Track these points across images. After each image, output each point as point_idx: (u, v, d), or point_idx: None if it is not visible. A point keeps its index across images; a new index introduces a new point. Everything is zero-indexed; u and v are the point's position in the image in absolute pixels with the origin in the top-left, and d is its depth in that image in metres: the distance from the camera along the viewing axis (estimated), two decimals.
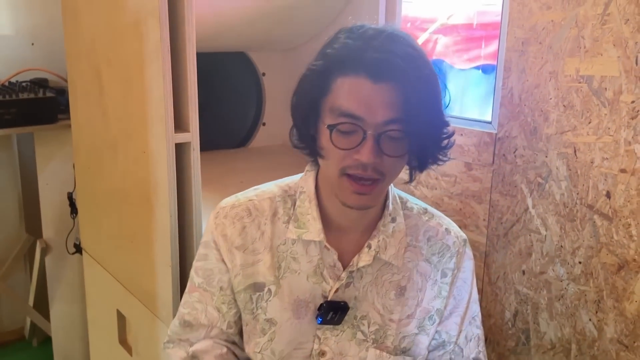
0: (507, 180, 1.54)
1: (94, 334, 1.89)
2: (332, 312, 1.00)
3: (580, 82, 1.35)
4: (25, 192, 2.41)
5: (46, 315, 2.31)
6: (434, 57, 2.78)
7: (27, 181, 2.37)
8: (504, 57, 1.51)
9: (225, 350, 1.04)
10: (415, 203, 1.09)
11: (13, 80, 2.11)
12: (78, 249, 1.99)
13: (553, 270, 1.46)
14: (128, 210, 1.47)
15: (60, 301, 2.25)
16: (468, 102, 2.76)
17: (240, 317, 1.05)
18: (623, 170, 1.29)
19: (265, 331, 1.02)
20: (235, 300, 1.04)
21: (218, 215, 1.04)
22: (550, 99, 1.42)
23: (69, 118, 1.79)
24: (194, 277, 1.06)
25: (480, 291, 1.62)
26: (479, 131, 1.60)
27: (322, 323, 1.01)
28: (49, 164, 2.13)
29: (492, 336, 1.63)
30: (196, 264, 1.06)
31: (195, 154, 1.25)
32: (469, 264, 1.09)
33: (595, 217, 1.36)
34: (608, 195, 1.33)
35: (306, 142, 0.97)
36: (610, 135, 1.31)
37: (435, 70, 0.92)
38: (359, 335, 1.03)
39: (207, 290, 1.04)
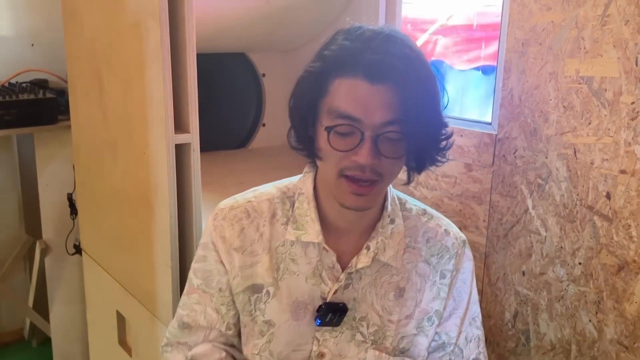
0: (507, 181, 1.54)
1: (93, 334, 1.88)
2: (331, 313, 1.00)
3: (580, 83, 1.35)
4: (25, 192, 2.41)
5: (46, 316, 2.30)
6: (434, 58, 2.78)
7: (27, 182, 2.37)
8: (504, 58, 1.51)
9: (224, 354, 1.03)
10: (414, 204, 1.09)
11: (13, 81, 2.11)
12: (78, 249, 1.99)
13: (553, 271, 1.46)
14: (128, 211, 1.47)
15: (59, 302, 2.25)
16: (468, 103, 2.76)
17: (239, 319, 1.05)
18: (623, 171, 1.29)
19: (263, 333, 1.02)
20: (233, 302, 1.04)
21: (216, 216, 1.04)
22: (550, 100, 1.42)
23: (69, 119, 1.79)
24: (193, 279, 1.06)
25: (480, 292, 1.62)
26: (479, 132, 1.60)
27: (321, 325, 1.01)
28: (48, 165, 2.13)
29: (492, 337, 1.63)
30: (195, 266, 1.06)
31: (195, 155, 1.25)
32: (468, 265, 1.09)
33: (595, 218, 1.36)
34: (608, 196, 1.33)
35: (304, 143, 0.97)
36: (610, 136, 1.31)
37: (434, 71, 0.93)
38: (358, 337, 1.03)
39: (206, 291, 1.04)
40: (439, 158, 0.97)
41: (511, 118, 1.51)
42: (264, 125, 1.94)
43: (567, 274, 1.43)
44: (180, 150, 1.25)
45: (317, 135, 0.93)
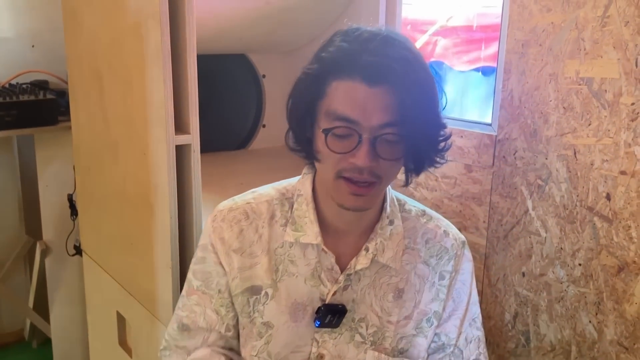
0: (507, 182, 1.54)
1: (93, 335, 1.88)
2: (330, 315, 1.00)
3: (580, 84, 1.35)
4: (26, 193, 2.41)
5: (46, 316, 2.31)
6: (434, 59, 2.78)
7: (27, 183, 2.37)
8: (504, 59, 1.52)
9: (223, 359, 1.03)
10: (413, 205, 1.09)
11: (13, 82, 2.12)
12: (78, 250, 1.99)
13: (553, 272, 1.46)
14: (128, 211, 1.47)
15: (60, 303, 2.25)
16: (468, 104, 2.76)
17: (238, 321, 1.05)
18: (623, 172, 1.30)
19: (261, 334, 1.02)
20: (232, 304, 1.04)
21: (215, 218, 1.03)
22: (550, 101, 1.42)
23: (69, 120, 1.79)
24: (192, 280, 1.05)
25: (480, 293, 1.62)
26: (479, 133, 1.60)
27: (320, 326, 1.01)
28: (49, 166, 2.13)
29: (492, 338, 1.63)
30: (194, 267, 1.06)
31: (195, 156, 1.25)
32: (467, 266, 1.09)
33: (595, 219, 1.36)
34: (608, 197, 1.33)
35: (302, 145, 0.97)
36: (610, 137, 1.31)
37: (432, 73, 0.92)
38: (357, 338, 1.03)
39: (206, 292, 1.04)
40: (438, 159, 0.97)
41: (511, 119, 1.51)
42: (264, 126, 1.94)
43: (567, 275, 1.43)
44: (181, 151, 1.25)
45: (315, 137, 0.93)
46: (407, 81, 0.86)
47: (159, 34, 1.18)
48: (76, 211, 2.04)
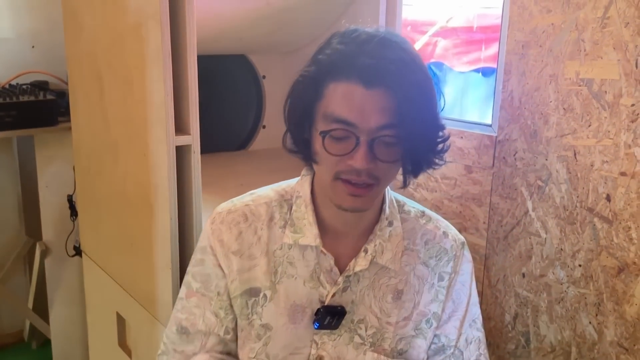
0: (507, 183, 1.54)
1: (93, 336, 1.88)
2: (329, 316, 1.00)
3: (580, 85, 1.35)
4: (25, 194, 2.41)
5: (45, 317, 2.30)
6: (434, 60, 2.78)
7: (27, 183, 2.37)
8: (504, 60, 1.52)
9: None
10: (412, 206, 1.09)
11: (13, 82, 2.12)
12: (78, 251, 1.99)
13: (553, 273, 1.46)
14: (128, 212, 1.47)
15: (59, 304, 2.25)
16: (468, 104, 2.76)
17: (237, 324, 1.05)
18: (623, 174, 1.30)
19: (260, 336, 1.02)
20: (231, 306, 1.04)
21: (214, 220, 1.03)
22: (550, 102, 1.42)
23: (69, 120, 1.79)
24: (192, 282, 1.05)
25: (480, 294, 1.62)
26: (479, 134, 1.60)
27: (319, 328, 1.00)
28: (49, 167, 2.13)
29: (492, 339, 1.63)
30: (193, 270, 1.05)
31: (195, 157, 1.25)
32: (467, 267, 1.09)
33: (595, 220, 1.36)
34: (608, 198, 1.33)
35: (300, 147, 0.97)
36: (610, 139, 1.31)
37: (430, 74, 0.92)
38: (357, 339, 1.03)
39: (205, 295, 1.04)
40: (436, 161, 0.96)
41: (511, 120, 1.51)
42: (264, 127, 1.94)
43: (567, 276, 1.43)
44: (181, 152, 1.25)
45: (313, 139, 0.93)
46: (404, 83, 0.86)
47: (159, 35, 1.18)
48: (76, 212, 2.04)
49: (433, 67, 2.79)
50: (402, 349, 1.04)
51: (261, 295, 1.01)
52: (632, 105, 1.26)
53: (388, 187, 1.03)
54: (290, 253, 1.01)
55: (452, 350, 1.07)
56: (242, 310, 1.02)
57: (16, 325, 2.55)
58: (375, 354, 1.03)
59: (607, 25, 1.28)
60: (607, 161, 1.32)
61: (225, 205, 1.05)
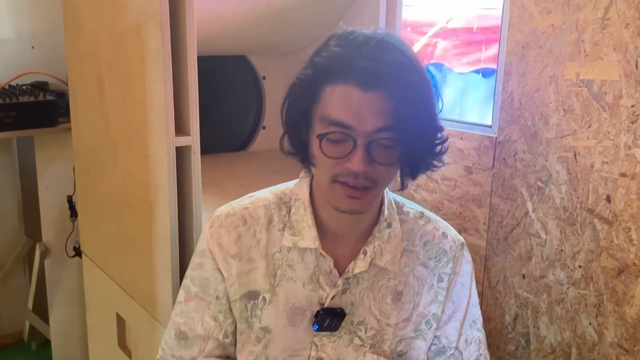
0: (507, 184, 1.54)
1: (93, 337, 1.88)
2: (329, 319, 1.00)
3: (580, 86, 1.35)
4: (25, 195, 2.41)
5: (45, 318, 2.30)
6: (434, 61, 2.78)
7: (26, 184, 2.37)
8: (504, 61, 1.52)
9: None
10: (411, 207, 1.09)
11: (13, 83, 2.12)
12: (77, 252, 1.99)
13: (553, 274, 1.46)
14: (128, 213, 1.47)
15: (59, 304, 2.25)
16: (468, 105, 2.76)
17: (236, 327, 1.05)
18: (623, 174, 1.30)
19: (259, 339, 1.01)
20: (231, 310, 1.03)
21: (213, 224, 1.03)
22: (551, 103, 1.42)
23: (69, 121, 1.79)
24: (190, 287, 1.05)
25: (480, 295, 1.62)
26: (479, 135, 1.60)
27: (318, 330, 1.00)
28: (49, 167, 2.13)
29: (492, 340, 1.63)
30: (192, 273, 1.05)
31: (195, 158, 1.25)
32: (467, 268, 1.09)
33: (596, 221, 1.36)
34: (608, 199, 1.33)
35: (297, 149, 0.97)
36: (611, 140, 1.31)
37: (428, 76, 0.92)
38: (356, 341, 1.02)
39: (204, 299, 1.03)
40: (435, 163, 0.96)
41: (511, 121, 1.51)
42: (264, 127, 1.94)
43: (567, 277, 1.43)
44: (181, 153, 1.25)
45: (310, 142, 0.93)
46: (401, 85, 0.86)
47: (160, 36, 1.18)
48: (76, 213, 2.04)
49: (433, 68, 2.79)
50: (402, 350, 1.04)
51: (260, 298, 1.01)
52: (632, 106, 1.26)
53: (387, 188, 1.03)
54: (290, 256, 1.01)
55: (452, 351, 1.07)
56: (242, 313, 1.02)
57: (16, 325, 2.54)
58: (375, 356, 1.03)
59: (607, 26, 1.28)
60: (607, 162, 1.32)
61: (223, 209, 1.04)
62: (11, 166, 2.41)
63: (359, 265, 1.00)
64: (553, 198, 1.44)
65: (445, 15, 2.72)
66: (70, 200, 2.06)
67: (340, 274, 1.01)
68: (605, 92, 1.31)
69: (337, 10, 1.63)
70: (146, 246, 1.38)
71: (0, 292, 2.33)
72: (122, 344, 1.62)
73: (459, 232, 1.12)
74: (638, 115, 1.26)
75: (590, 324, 1.40)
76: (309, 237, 0.99)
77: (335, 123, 0.87)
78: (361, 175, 0.88)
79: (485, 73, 2.59)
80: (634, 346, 1.32)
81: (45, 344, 2.42)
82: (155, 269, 1.35)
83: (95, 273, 1.72)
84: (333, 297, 1.00)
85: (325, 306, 1.01)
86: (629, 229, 1.30)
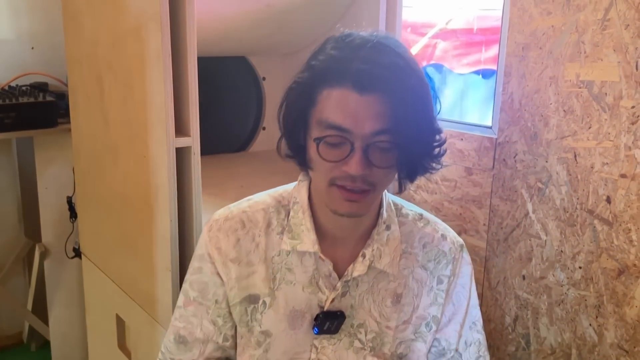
0: (507, 185, 1.54)
1: (93, 338, 1.88)
2: (329, 322, 1.00)
3: (580, 87, 1.35)
4: (25, 196, 2.41)
5: (45, 319, 2.30)
6: (433, 62, 2.78)
7: (26, 185, 2.37)
8: (504, 62, 1.52)
9: None
10: (410, 209, 1.08)
11: (13, 84, 2.12)
12: (77, 253, 1.98)
13: (553, 275, 1.46)
14: (128, 214, 1.47)
15: (59, 305, 2.25)
16: (468, 106, 2.76)
17: (236, 331, 1.04)
18: (623, 176, 1.30)
19: (260, 343, 1.01)
20: (230, 314, 1.03)
21: (211, 228, 1.02)
22: (551, 104, 1.42)
23: (68, 122, 1.79)
24: (189, 291, 1.04)
25: (480, 296, 1.62)
26: (479, 136, 1.60)
27: (319, 333, 1.00)
28: (48, 168, 2.13)
29: (492, 341, 1.63)
30: (191, 278, 1.05)
31: (195, 158, 1.25)
32: (466, 269, 1.09)
33: (596, 222, 1.36)
34: (608, 200, 1.33)
35: (295, 153, 0.96)
36: (611, 141, 1.31)
37: (426, 78, 0.91)
38: (356, 344, 1.02)
39: (203, 304, 1.03)
40: (433, 165, 0.96)
41: (511, 122, 1.51)
42: (264, 128, 1.94)
43: (568, 278, 1.43)
44: (181, 154, 1.25)
45: (307, 146, 0.93)
46: (398, 88, 0.85)
47: (160, 37, 1.18)
48: (75, 213, 2.04)
49: (433, 69, 2.79)
50: (402, 352, 1.04)
51: (260, 302, 1.01)
52: (633, 107, 1.26)
53: (386, 190, 1.03)
54: (289, 259, 1.01)
55: (452, 353, 1.07)
56: (242, 317, 1.02)
57: (15, 327, 2.54)
58: (375, 359, 1.03)
59: (607, 27, 1.29)
60: (607, 163, 1.32)
61: (222, 212, 1.04)
62: (11, 167, 2.41)
63: (358, 268, 1.00)
64: (553, 199, 1.44)
65: (445, 16, 2.72)
66: (70, 201, 2.06)
67: (340, 276, 1.01)
68: (606, 93, 1.31)
69: (337, 11, 1.63)
70: (146, 247, 1.38)
71: (0, 293, 2.33)
72: (122, 345, 1.62)
73: (459, 233, 1.12)
74: (638, 116, 1.26)
75: (590, 325, 1.40)
76: (308, 241, 0.99)
77: (333, 126, 0.87)
78: (359, 178, 0.88)
79: (485, 74, 2.59)
80: (634, 347, 1.32)
81: (45, 345, 2.42)
82: (155, 270, 1.35)
83: (95, 274, 1.71)
84: (333, 300, 1.00)
85: (325, 309, 1.00)
86: (629, 230, 1.30)
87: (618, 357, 1.35)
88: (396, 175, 0.96)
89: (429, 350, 1.07)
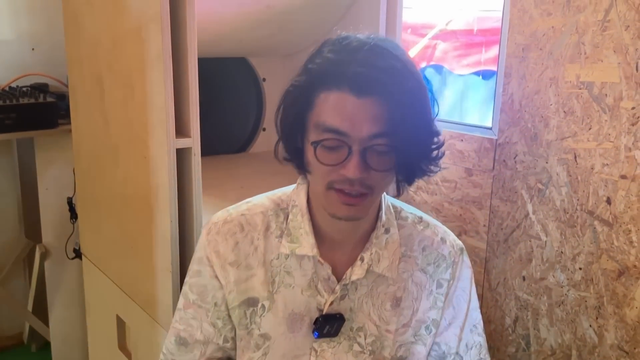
0: (508, 186, 1.54)
1: (93, 339, 1.88)
2: (328, 325, 1.00)
3: (580, 89, 1.35)
4: (25, 196, 2.41)
5: (45, 320, 2.30)
6: (433, 63, 2.78)
7: (26, 186, 2.37)
8: (504, 63, 1.52)
9: None
10: (410, 212, 1.08)
11: (13, 85, 2.12)
12: (77, 253, 1.98)
13: (553, 276, 1.46)
14: (128, 215, 1.47)
15: (59, 306, 2.25)
16: (468, 107, 2.76)
17: (236, 332, 1.04)
18: (623, 177, 1.30)
19: (259, 346, 1.01)
20: (229, 316, 1.03)
21: (210, 231, 1.02)
22: (551, 105, 1.42)
23: (69, 123, 1.79)
24: (189, 294, 1.04)
25: (481, 297, 1.62)
26: (479, 137, 1.60)
27: (318, 337, 1.00)
28: (49, 169, 2.13)
29: (492, 342, 1.63)
30: (190, 281, 1.05)
31: (196, 159, 1.25)
32: (466, 273, 1.09)
33: (596, 223, 1.36)
34: (608, 201, 1.33)
35: (292, 156, 0.96)
36: (611, 142, 1.31)
37: (423, 81, 0.91)
38: (356, 347, 1.02)
39: (202, 306, 1.03)
40: (431, 168, 0.95)
41: (511, 123, 1.51)
42: (264, 129, 1.94)
43: (568, 279, 1.43)
44: (181, 155, 1.25)
45: (305, 149, 0.92)
46: (395, 91, 0.85)
47: (160, 38, 1.18)
48: (76, 214, 2.04)
49: (433, 70, 2.79)
50: (402, 355, 1.04)
51: (259, 305, 1.01)
52: (633, 108, 1.26)
53: (385, 193, 1.02)
54: (287, 263, 1.00)
55: (452, 357, 1.07)
56: (241, 320, 1.02)
57: (16, 327, 2.54)
58: None
59: (607, 28, 1.29)
60: (607, 164, 1.32)
61: (221, 215, 1.04)
62: (11, 168, 2.41)
63: (356, 272, 1.00)
64: (553, 200, 1.44)
65: (445, 17, 2.72)
66: (70, 201, 2.06)
67: (339, 280, 1.00)
68: (606, 94, 1.31)
69: (338, 12, 1.63)
70: (146, 248, 1.38)
71: (0, 294, 2.33)
72: (122, 346, 1.62)
73: (459, 234, 1.12)
74: (638, 117, 1.26)
75: (590, 326, 1.39)
76: (307, 244, 0.99)
77: (330, 130, 0.87)
78: (357, 181, 0.88)
79: (486, 75, 2.59)
80: (634, 348, 1.32)
81: (45, 346, 2.42)
82: (156, 270, 1.35)
83: (96, 275, 1.71)
84: (331, 304, 1.00)
85: (324, 312, 1.00)
86: (629, 231, 1.30)
87: (618, 358, 1.35)
88: (394, 178, 0.95)
89: (429, 354, 1.07)
